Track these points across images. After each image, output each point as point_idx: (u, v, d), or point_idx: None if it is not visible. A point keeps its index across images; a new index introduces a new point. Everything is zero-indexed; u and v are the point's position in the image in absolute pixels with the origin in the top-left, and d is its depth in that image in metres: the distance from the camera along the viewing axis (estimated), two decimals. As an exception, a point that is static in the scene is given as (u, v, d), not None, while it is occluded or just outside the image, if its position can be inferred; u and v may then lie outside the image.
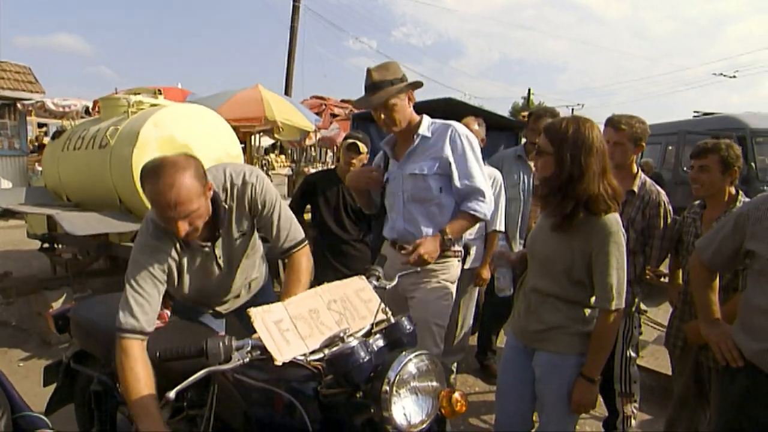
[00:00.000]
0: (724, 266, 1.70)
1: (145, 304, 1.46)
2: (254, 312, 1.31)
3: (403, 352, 1.17)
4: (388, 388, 1.11)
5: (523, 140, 3.71)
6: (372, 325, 1.43)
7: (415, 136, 2.06)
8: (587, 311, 1.66)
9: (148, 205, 3.46)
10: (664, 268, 2.76)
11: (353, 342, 1.18)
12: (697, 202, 2.28)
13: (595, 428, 2.79)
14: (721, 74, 19.64)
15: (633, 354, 2.44)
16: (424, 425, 1.18)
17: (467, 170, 2.01)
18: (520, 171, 3.10)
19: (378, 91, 1.97)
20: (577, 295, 1.64)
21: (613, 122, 2.28)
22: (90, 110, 8.26)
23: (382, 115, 2.02)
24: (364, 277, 1.58)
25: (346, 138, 2.98)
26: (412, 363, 1.15)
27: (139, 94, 4.15)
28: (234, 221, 1.69)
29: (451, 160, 2.01)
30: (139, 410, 1.35)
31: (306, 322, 1.37)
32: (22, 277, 4.15)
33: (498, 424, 1.87)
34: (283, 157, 12.78)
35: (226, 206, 1.65)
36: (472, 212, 1.99)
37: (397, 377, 1.12)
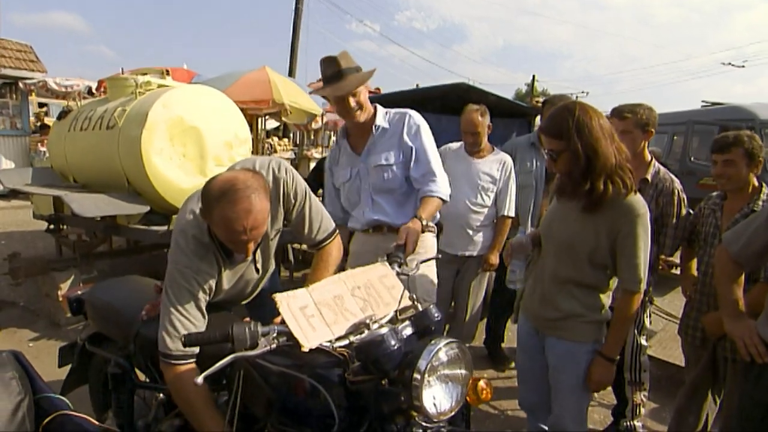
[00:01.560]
0: (753, 260, 1.67)
1: (192, 328, 1.41)
2: (280, 298, 1.30)
3: (434, 340, 1.16)
4: (419, 376, 1.10)
5: (536, 128, 3.67)
6: (396, 311, 1.43)
7: (374, 128, 2.06)
8: (602, 298, 1.68)
9: (157, 188, 3.50)
10: (675, 258, 2.75)
11: (383, 329, 1.17)
12: (715, 193, 2.25)
13: (603, 415, 2.81)
14: (730, 64, 19.48)
15: (644, 343, 2.45)
16: (452, 413, 1.18)
17: (425, 156, 2.05)
18: (533, 158, 3.07)
19: (347, 77, 1.94)
20: (597, 279, 1.66)
21: (616, 112, 2.29)
22: (93, 90, 8.18)
23: (352, 102, 1.97)
24: (386, 263, 1.57)
25: None
26: (443, 351, 1.14)
27: (146, 74, 4.09)
28: (270, 221, 1.60)
29: (413, 146, 2.05)
30: None
31: (331, 309, 1.36)
32: (30, 257, 4.14)
33: (522, 400, 1.96)
34: (286, 140, 12.68)
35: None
36: (430, 194, 2.01)
37: (429, 365, 1.11)
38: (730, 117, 7.16)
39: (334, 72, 1.95)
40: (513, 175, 2.87)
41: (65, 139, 4.21)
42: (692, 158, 7.15)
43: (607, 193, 1.53)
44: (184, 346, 1.25)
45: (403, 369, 1.15)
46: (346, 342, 1.29)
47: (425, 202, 2.00)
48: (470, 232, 2.85)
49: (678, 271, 3.19)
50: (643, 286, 1.59)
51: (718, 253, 1.76)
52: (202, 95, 3.83)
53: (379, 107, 2.12)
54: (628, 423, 2.48)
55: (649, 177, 2.25)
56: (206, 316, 1.46)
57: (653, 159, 2.33)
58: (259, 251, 1.63)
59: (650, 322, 2.97)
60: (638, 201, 1.57)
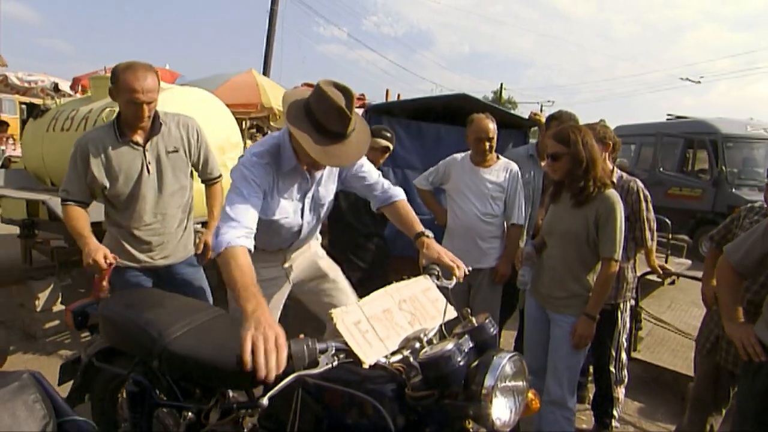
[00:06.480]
0: (751, 269, 1.80)
1: (81, 180, 2.05)
2: (336, 314, 1.28)
3: (497, 354, 1.19)
4: (488, 390, 1.12)
5: (532, 140, 3.77)
6: (441, 325, 1.44)
7: None
8: (592, 279, 2.11)
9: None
10: (670, 265, 2.88)
11: (448, 345, 1.18)
12: (758, 204, 2.19)
13: (600, 420, 2.89)
14: (688, 79, 20.63)
15: (624, 343, 2.67)
16: (514, 424, 1.20)
17: (374, 174, 1.95)
18: (531, 170, 3.13)
19: (348, 139, 1.55)
20: (593, 256, 2.09)
21: None
22: (59, 87, 7.78)
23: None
24: (428, 276, 1.58)
25: (373, 136, 2.89)
26: (508, 365, 1.17)
27: (133, 74, 3.92)
28: (168, 137, 2.16)
29: (356, 171, 1.94)
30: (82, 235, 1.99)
31: (382, 323, 1.36)
32: (4, 266, 3.88)
33: (528, 365, 2.24)
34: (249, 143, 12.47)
35: (162, 122, 2.14)
36: (398, 198, 1.93)
37: (498, 379, 1.13)
38: (695, 130, 7.58)
39: (339, 131, 1.53)
40: (520, 181, 2.83)
41: (43, 140, 3.97)
42: (661, 169, 7.52)
43: (594, 192, 2.02)
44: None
45: (468, 383, 1.16)
46: (400, 357, 1.30)
47: (405, 209, 1.90)
48: (482, 243, 2.75)
49: (670, 280, 3.34)
50: (618, 255, 2.02)
51: (720, 262, 1.88)
52: (195, 98, 3.71)
53: None
54: (615, 420, 2.71)
55: (614, 180, 2.48)
56: (88, 186, 2.09)
57: (614, 167, 2.56)
58: (150, 153, 2.11)
59: (640, 328, 3.15)
60: (613, 193, 2.06)
